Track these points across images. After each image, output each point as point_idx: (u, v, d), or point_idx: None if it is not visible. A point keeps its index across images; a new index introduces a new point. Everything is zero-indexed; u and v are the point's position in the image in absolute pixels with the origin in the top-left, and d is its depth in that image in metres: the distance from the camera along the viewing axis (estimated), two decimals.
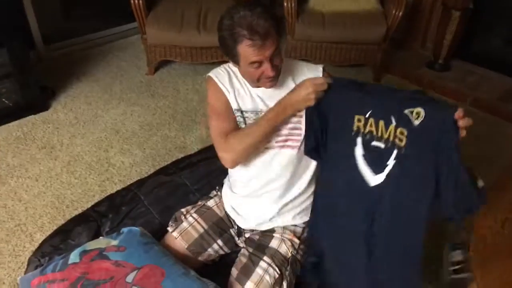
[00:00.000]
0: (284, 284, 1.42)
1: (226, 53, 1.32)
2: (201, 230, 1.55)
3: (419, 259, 1.26)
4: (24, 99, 2.49)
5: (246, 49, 1.25)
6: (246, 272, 1.42)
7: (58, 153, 2.24)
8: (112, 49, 3.29)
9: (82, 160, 2.20)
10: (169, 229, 1.58)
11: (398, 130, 1.23)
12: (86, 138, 2.35)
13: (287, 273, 1.44)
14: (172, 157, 2.22)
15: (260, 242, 1.50)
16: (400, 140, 1.23)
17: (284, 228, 1.54)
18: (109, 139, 2.35)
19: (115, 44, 3.36)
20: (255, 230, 1.57)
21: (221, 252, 1.59)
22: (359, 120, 1.30)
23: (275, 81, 1.36)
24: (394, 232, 1.28)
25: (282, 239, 1.50)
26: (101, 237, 1.55)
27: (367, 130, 1.29)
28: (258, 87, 1.40)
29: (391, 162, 1.27)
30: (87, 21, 3.45)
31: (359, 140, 1.32)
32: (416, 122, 1.18)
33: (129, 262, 1.36)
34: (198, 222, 1.57)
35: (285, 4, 2.79)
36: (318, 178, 1.50)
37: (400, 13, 2.74)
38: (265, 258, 1.43)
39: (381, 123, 1.26)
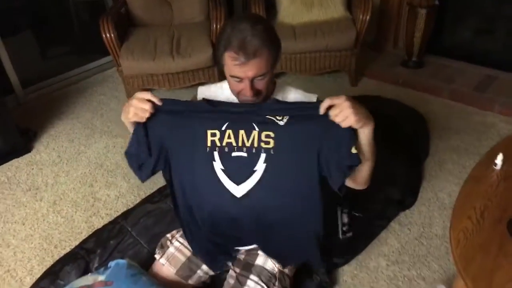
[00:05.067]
0: None
1: (216, 55, 1.30)
2: (188, 253, 1.55)
3: (320, 230, 1.38)
4: (6, 144, 2.49)
5: (229, 60, 1.23)
6: None
7: (43, 194, 2.23)
8: (90, 84, 3.32)
9: (68, 198, 2.19)
10: (156, 256, 1.58)
11: (263, 134, 1.26)
12: (70, 176, 2.35)
13: None
14: (157, 185, 2.22)
15: (246, 261, 1.50)
16: (267, 143, 1.26)
17: None
18: (93, 174, 2.35)
19: (93, 79, 3.39)
20: (240, 249, 1.56)
21: (211, 273, 1.58)
22: (213, 135, 1.29)
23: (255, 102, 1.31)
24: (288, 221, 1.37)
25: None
26: (88, 274, 1.54)
27: (224, 143, 1.28)
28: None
29: (260, 167, 1.28)
30: (62, 59, 3.48)
31: (216, 154, 1.30)
32: (282, 123, 1.25)
33: None
34: (185, 246, 1.57)
35: None
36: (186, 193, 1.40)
37: (368, 17, 2.79)
38: (251, 276, 1.43)
39: (242, 132, 1.27)
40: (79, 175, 2.35)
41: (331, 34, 2.85)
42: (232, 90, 1.34)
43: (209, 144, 1.30)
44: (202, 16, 3.19)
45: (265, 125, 1.27)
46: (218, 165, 1.30)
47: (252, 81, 1.24)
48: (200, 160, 1.32)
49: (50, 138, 2.69)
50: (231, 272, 1.50)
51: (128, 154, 1.36)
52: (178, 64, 2.79)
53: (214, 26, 2.87)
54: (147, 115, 1.26)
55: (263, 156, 1.28)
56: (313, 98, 1.43)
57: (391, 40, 3.38)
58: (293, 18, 3.01)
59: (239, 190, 1.31)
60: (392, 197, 2.02)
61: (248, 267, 1.47)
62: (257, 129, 1.28)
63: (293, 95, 1.44)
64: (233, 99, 1.42)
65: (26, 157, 2.53)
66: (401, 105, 2.74)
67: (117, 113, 2.92)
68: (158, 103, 1.27)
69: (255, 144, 1.27)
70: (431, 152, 2.33)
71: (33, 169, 2.43)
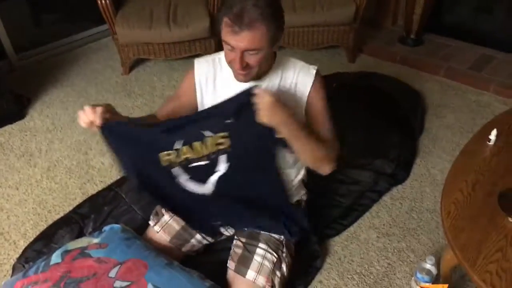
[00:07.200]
0: (283, 266, 1.45)
1: (218, 16, 1.26)
2: (183, 222, 1.56)
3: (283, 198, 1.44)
4: None
5: (225, 25, 1.19)
6: (245, 262, 1.42)
7: (37, 160, 2.22)
8: (85, 52, 3.27)
9: (62, 164, 2.19)
10: (151, 223, 1.59)
11: (217, 135, 1.27)
12: (64, 143, 2.34)
13: (284, 255, 1.46)
14: None
15: (249, 232, 1.51)
16: (223, 144, 1.28)
17: None
18: (87, 142, 2.34)
19: (88, 47, 3.33)
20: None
21: (205, 242, 1.60)
22: (167, 155, 1.31)
23: (246, 78, 1.28)
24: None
25: None
26: (83, 237, 1.55)
27: (181, 159, 1.31)
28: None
29: (222, 167, 1.33)
30: (57, 26, 3.41)
31: (175, 170, 1.34)
32: (231, 120, 1.25)
33: (111, 258, 1.37)
34: None
35: None
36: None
37: None
38: (260, 245, 1.45)
39: (196, 144, 1.29)
40: (73, 142, 2.34)
41: (330, 8, 2.82)
42: (226, 59, 1.30)
43: (165, 164, 1.32)
44: None
45: (215, 128, 1.27)
46: (183, 178, 1.36)
47: (243, 53, 1.20)
48: (162, 176, 1.36)
49: (44, 105, 2.67)
50: (236, 242, 1.50)
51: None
52: (174, 33, 2.75)
53: None
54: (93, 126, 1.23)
55: (223, 157, 1.31)
56: (312, 70, 1.40)
57: (390, 16, 3.35)
58: None
59: (206, 188, 1.38)
60: (384, 171, 2.03)
61: (254, 236, 1.48)
62: (210, 134, 1.28)
63: (293, 67, 1.40)
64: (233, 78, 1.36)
65: (20, 123, 2.51)
66: (398, 82, 2.73)
67: (112, 82, 2.90)
68: (98, 123, 1.21)
69: (213, 149, 1.30)
70: (425, 129, 2.35)
71: (26, 135, 2.42)
